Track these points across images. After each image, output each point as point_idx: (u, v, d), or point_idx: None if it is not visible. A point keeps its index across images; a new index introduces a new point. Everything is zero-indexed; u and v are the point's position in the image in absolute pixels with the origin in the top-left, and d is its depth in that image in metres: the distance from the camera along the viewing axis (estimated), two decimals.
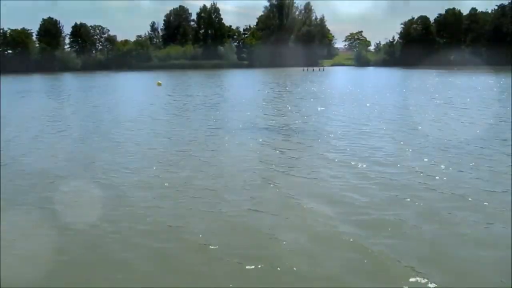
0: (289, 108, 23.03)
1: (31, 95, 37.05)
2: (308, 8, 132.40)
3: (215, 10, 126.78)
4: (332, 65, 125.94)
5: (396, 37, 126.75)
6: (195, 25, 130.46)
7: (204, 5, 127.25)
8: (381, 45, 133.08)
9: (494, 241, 6.30)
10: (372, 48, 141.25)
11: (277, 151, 12.06)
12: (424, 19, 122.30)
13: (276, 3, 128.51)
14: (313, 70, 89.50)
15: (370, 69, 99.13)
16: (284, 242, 6.13)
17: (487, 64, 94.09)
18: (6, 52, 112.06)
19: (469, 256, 5.86)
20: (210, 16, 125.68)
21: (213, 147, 13.21)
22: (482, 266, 5.56)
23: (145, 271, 5.59)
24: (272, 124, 17.16)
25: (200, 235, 6.46)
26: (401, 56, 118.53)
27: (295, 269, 5.47)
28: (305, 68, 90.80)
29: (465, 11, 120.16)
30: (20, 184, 9.63)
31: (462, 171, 9.85)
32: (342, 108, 22.23)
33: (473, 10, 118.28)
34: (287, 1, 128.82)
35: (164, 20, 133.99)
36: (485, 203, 7.60)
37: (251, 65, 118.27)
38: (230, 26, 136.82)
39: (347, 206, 7.64)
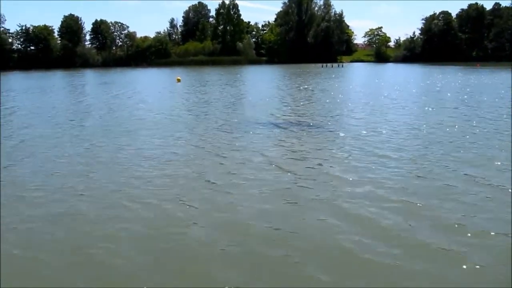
0: (302, 106, 22.78)
1: (49, 90, 37.53)
2: (327, 4, 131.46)
3: (233, 6, 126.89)
4: (351, 61, 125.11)
5: (417, 33, 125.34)
6: (214, 21, 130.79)
7: (223, 1, 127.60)
8: (401, 41, 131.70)
9: None
10: (392, 44, 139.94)
11: (284, 156, 11.67)
12: (446, 14, 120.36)
13: None
14: (332, 66, 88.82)
15: (390, 65, 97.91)
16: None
17: (511, 59, 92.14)
18: (28, 49, 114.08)
19: None
20: (228, 12, 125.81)
21: (221, 147, 12.95)
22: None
23: None
24: (281, 124, 16.87)
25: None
26: (421, 52, 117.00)
27: None
28: (324, 64, 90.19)
29: (488, 6, 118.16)
30: None
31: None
32: (360, 109, 21.70)
33: (497, 4, 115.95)
34: None
35: (183, 17, 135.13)
36: None
37: (269, 61, 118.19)
38: (249, 22, 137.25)
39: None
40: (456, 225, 6.66)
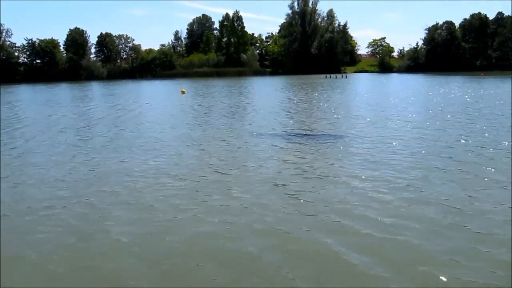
0: (306, 119, 22.71)
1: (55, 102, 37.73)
2: (330, 15, 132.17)
3: (237, 18, 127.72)
4: (355, 71, 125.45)
5: (420, 43, 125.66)
6: (218, 33, 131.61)
7: (227, 13, 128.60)
8: (405, 51, 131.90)
9: None
10: (395, 54, 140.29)
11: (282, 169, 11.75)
12: (449, 24, 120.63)
13: (298, 10, 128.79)
14: (336, 77, 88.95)
15: (394, 76, 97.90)
16: None
17: None
18: (34, 62, 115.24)
19: None
20: (232, 24, 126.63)
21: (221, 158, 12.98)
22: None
23: None
24: (285, 136, 16.80)
25: None
26: (425, 62, 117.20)
27: None
28: (328, 75, 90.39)
29: (491, 15, 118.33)
30: None
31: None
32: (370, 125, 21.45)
33: (500, 14, 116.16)
34: (310, 8, 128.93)
35: (187, 29, 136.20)
36: None
37: (274, 72, 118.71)
38: (253, 33, 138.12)
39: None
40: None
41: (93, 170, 11.70)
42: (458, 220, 7.33)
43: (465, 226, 7.08)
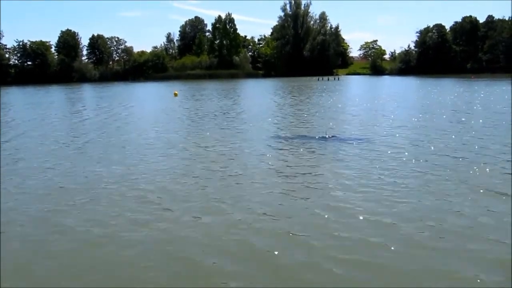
0: (297, 121, 22.84)
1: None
2: (323, 17, 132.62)
3: (230, 20, 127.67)
4: (347, 74, 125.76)
5: (412, 46, 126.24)
6: (211, 36, 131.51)
7: (219, 16, 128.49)
8: (397, 54, 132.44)
9: None
10: (387, 56, 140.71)
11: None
12: (439, 27, 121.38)
13: (291, 12, 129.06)
14: (328, 79, 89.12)
15: (386, 78, 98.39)
16: None
17: (505, 71, 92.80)
18: (25, 64, 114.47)
19: None
20: (225, 27, 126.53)
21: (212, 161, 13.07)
22: None
23: None
24: (279, 140, 16.94)
25: None
26: (416, 64, 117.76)
27: None
28: (320, 78, 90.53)
29: (481, 19, 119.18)
30: None
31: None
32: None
33: (490, 17, 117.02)
34: (302, 11, 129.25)
35: (179, 31, 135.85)
36: None
37: (266, 75, 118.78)
38: (245, 36, 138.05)
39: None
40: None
41: (82, 177, 11.73)
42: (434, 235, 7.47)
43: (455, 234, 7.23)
